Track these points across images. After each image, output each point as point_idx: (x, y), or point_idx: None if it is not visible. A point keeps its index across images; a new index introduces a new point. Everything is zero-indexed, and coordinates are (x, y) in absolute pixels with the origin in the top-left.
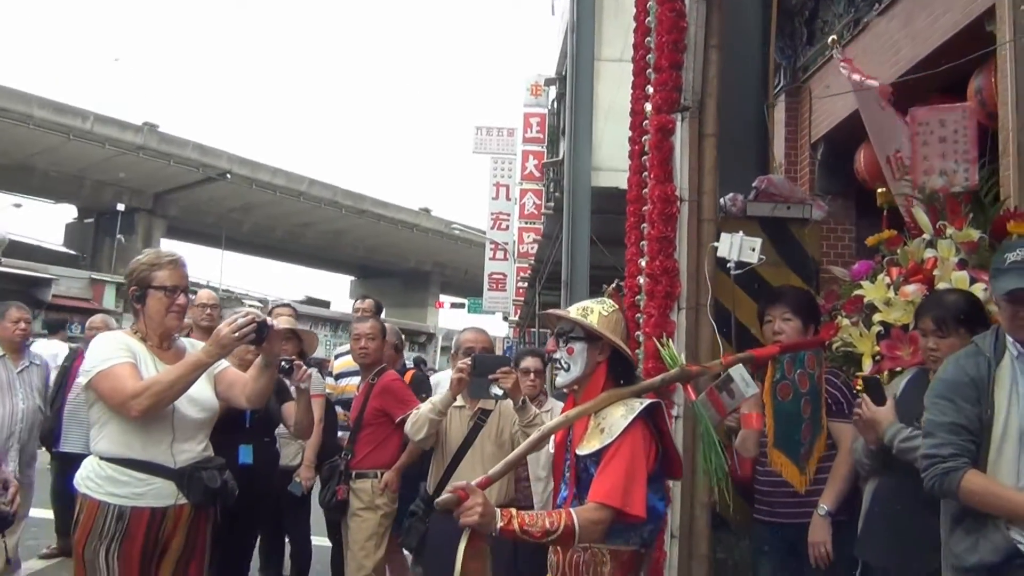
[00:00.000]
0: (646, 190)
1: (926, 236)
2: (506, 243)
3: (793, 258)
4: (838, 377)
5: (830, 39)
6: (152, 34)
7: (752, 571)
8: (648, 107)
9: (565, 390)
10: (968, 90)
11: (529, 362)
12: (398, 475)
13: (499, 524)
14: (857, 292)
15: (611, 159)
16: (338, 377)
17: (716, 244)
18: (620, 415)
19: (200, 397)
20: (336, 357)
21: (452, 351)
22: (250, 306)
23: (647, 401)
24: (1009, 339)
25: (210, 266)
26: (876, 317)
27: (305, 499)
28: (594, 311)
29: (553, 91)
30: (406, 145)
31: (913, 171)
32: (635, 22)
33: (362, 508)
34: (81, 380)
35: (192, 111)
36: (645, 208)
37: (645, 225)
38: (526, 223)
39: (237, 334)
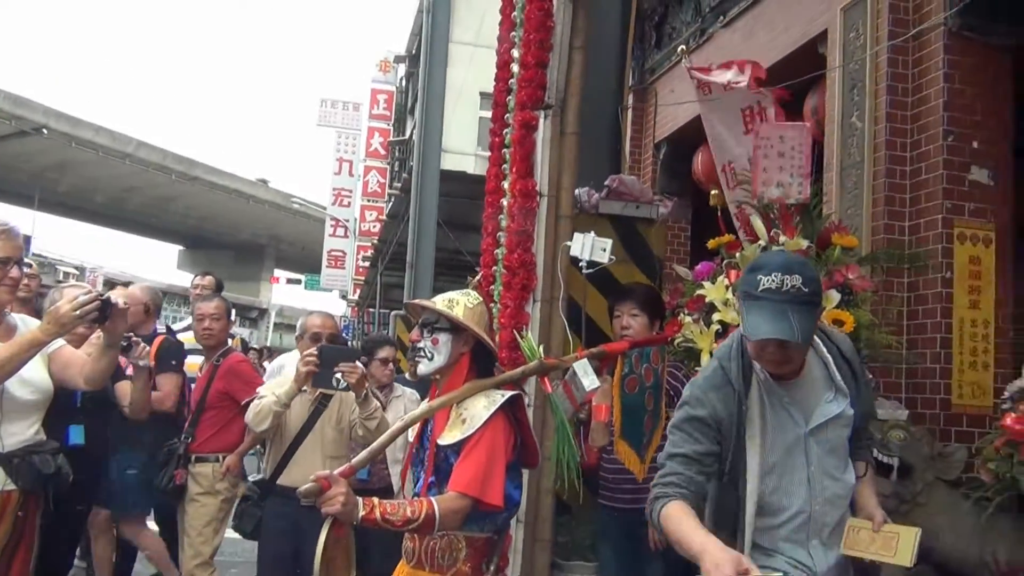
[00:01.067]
0: (505, 182)
1: (761, 243)
2: (347, 220)
3: (640, 256)
4: (680, 371)
5: (679, 48)
6: None
7: (593, 553)
8: (511, 101)
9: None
10: (804, 108)
11: (387, 352)
12: (240, 459)
13: (361, 513)
14: (699, 292)
15: (459, 142)
16: None
17: (569, 244)
18: (482, 406)
19: (32, 378)
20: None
21: (298, 334)
22: (65, 272)
23: (509, 393)
24: (756, 363)
25: (21, 227)
26: (715, 316)
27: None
28: (460, 303)
29: (403, 69)
30: (247, 113)
31: (754, 181)
32: (501, 15)
33: (201, 493)
34: None
35: (6, 59)
36: (504, 200)
37: (503, 217)
38: (369, 201)
39: (78, 312)
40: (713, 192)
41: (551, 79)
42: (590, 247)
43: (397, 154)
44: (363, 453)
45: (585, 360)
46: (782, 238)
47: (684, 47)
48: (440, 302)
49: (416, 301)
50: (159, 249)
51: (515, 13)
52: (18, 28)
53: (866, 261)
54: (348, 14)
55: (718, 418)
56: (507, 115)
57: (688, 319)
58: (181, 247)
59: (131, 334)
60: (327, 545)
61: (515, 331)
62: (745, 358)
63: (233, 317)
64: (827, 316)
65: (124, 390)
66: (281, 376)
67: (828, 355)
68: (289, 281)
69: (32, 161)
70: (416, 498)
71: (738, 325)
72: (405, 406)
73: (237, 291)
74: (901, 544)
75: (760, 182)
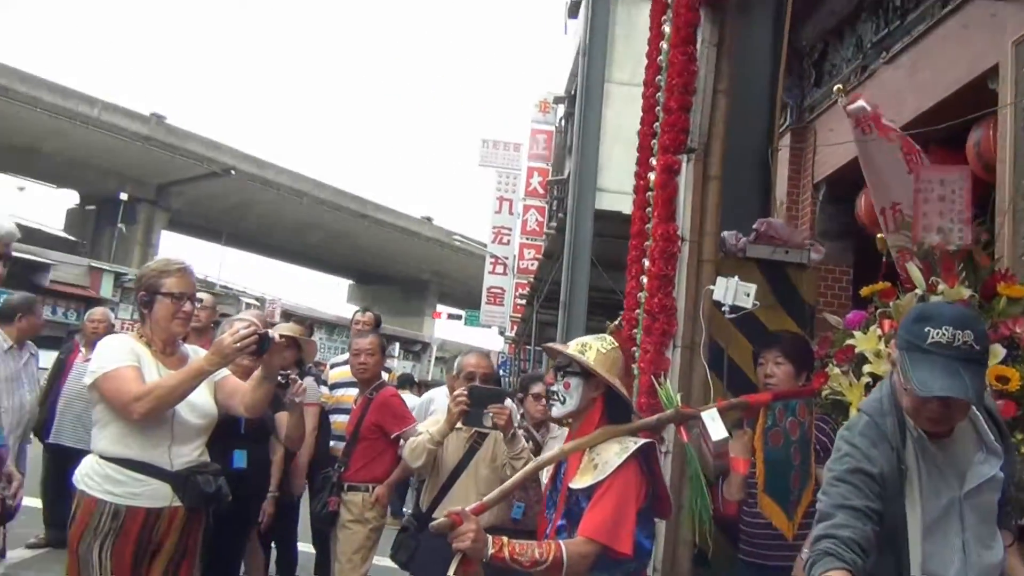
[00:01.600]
0: (649, 225)
1: (918, 291)
2: (506, 257)
3: (789, 302)
4: (827, 424)
5: (835, 87)
6: (166, 25)
7: None
8: (655, 144)
9: (560, 423)
10: (967, 143)
11: (539, 388)
12: (390, 491)
13: (490, 551)
14: (849, 342)
15: (616, 182)
16: (333, 387)
17: (712, 287)
18: (614, 452)
19: (200, 403)
20: (332, 367)
21: (454, 372)
22: (248, 304)
23: (641, 441)
24: (909, 420)
25: (209, 261)
26: (866, 368)
27: (294, 505)
28: (592, 348)
29: (561, 109)
30: (412, 153)
31: (915, 227)
32: (647, 59)
33: (352, 520)
34: (87, 380)
35: (200, 105)
36: (647, 243)
37: (646, 260)
38: (528, 239)
39: (239, 344)
40: (879, 236)
41: (694, 123)
42: (733, 291)
43: (555, 193)
44: (494, 492)
45: (714, 410)
46: (941, 287)
47: (840, 86)
48: (573, 346)
49: (550, 345)
50: (331, 283)
51: (660, 58)
52: (210, 73)
53: None
54: (509, 57)
55: (883, 475)
56: (651, 158)
57: (836, 370)
58: (351, 281)
59: (288, 372)
60: None
61: (653, 378)
62: (899, 413)
63: (396, 351)
64: (991, 372)
65: (283, 420)
66: (437, 414)
67: (978, 415)
68: (450, 316)
69: (221, 200)
70: (546, 540)
71: None
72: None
73: (402, 325)
74: None
75: (920, 227)
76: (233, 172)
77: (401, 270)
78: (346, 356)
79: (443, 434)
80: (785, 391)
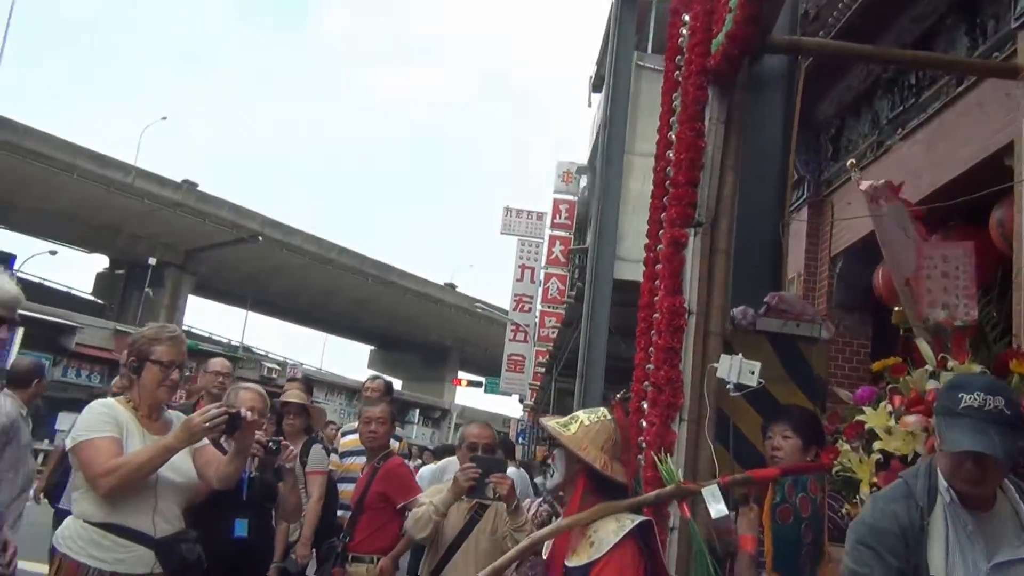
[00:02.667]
0: (657, 297)
1: (928, 367)
2: (527, 325)
3: (800, 375)
4: (838, 503)
5: (849, 162)
6: (198, 94)
7: None
8: (663, 218)
9: (550, 496)
10: (990, 220)
11: None
12: (393, 563)
13: None
14: (859, 417)
15: (636, 251)
16: (343, 455)
17: (715, 365)
18: (611, 531)
19: (181, 466)
20: (343, 435)
21: (457, 443)
22: (269, 368)
23: (639, 518)
24: (943, 483)
25: (233, 325)
26: (876, 445)
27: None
28: (578, 420)
29: (584, 180)
30: (435, 219)
31: (919, 303)
32: (658, 134)
33: None
34: (67, 444)
35: (231, 172)
36: (655, 316)
37: (654, 333)
38: (548, 307)
39: (208, 424)
40: (896, 309)
41: (701, 197)
42: (738, 369)
43: (577, 262)
44: (487, 569)
45: (715, 486)
46: (951, 363)
47: (853, 160)
48: (554, 420)
49: (542, 419)
50: (354, 348)
51: (670, 133)
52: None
53: None
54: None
55: (903, 526)
56: (661, 231)
57: (847, 446)
58: (373, 347)
59: (281, 438)
60: None
61: (654, 454)
62: (932, 478)
63: (416, 418)
64: None
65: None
66: (441, 484)
67: (1021, 503)
68: (470, 383)
69: (247, 265)
70: None
71: (902, 456)
72: None
73: (422, 391)
74: None
75: (925, 303)
76: (260, 238)
77: (423, 336)
78: (357, 424)
79: (447, 504)
80: (793, 466)
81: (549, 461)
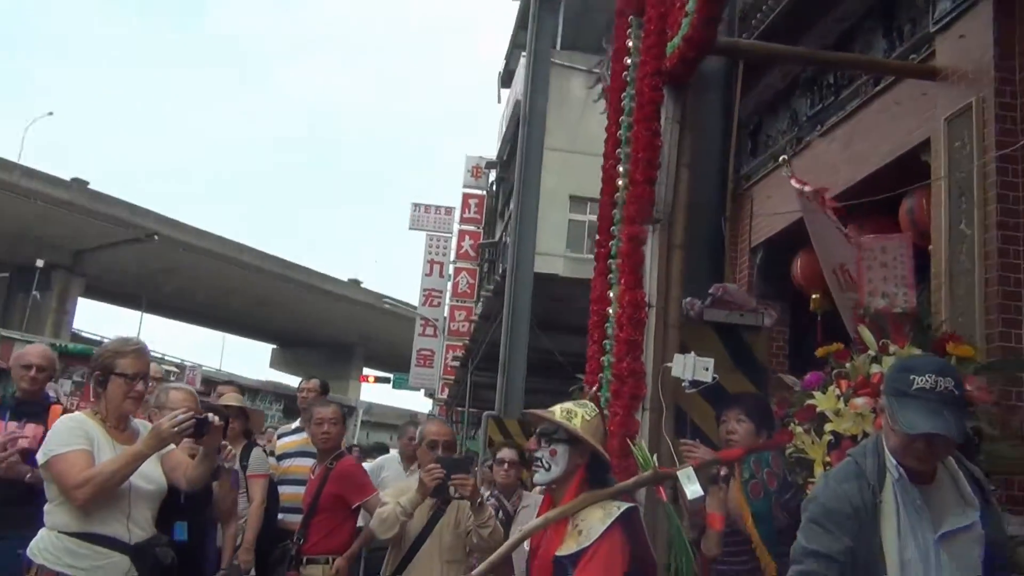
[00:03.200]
0: (611, 291)
1: (871, 352)
2: (436, 320)
3: (745, 364)
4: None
5: (781, 158)
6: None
7: None
8: (616, 214)
9: (542, 489)
10: (900, 210)
11: (505, 453)
12: (349, 563)
13: None
14: (809, 401)
15: (549, 244)
16: (281, 458)
17: (670, 364)
18: (598, 519)
19: (151, 473)
20: (279, 437)
21: (416, 441)
22: (166, 371)
23: (625, 505)
24: (891, 460)
25: (127, 327)
26: (827, 427)
27: None
28: (578, 415)
29: (493, 174)
30: (339, 216)
31: (860, 292)
32: (607, 133)
33: None
34: (40, 459)
35: (122, 170)
36: (609, 309)
37: (609, 326)
38: (458, 301)
39: (176, 429)
40: (814, 296)
41: (659, 195)
42: (692, 367)
43: (487, 255)
44: (482, 565)
45: (690, 469)
46: (893, 348)
47: (786, 156)
48: (559, 413)
49: (534, 411)
50: (254, 348)
51: (620, 132)
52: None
53: (983, 371)
54: (439, 120)
55: (856, 506)
56: (613, 227)
57: (799, 429)
58: (275, 346)
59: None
60: None
61: (628, 440)
62: (880, 456)
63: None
64: None
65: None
66: (404, 483)
67: (959, 472)
68: (377, 379)
69: (141, 265)
70: None
71: (852, 436)
72: (535, 514)
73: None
74: None
75: (866, 292)
76: (156, 237)
77: (327, 333)
78: (294, 425)
79: (415, 504)
80: (756, 445)
81: (540, 455)
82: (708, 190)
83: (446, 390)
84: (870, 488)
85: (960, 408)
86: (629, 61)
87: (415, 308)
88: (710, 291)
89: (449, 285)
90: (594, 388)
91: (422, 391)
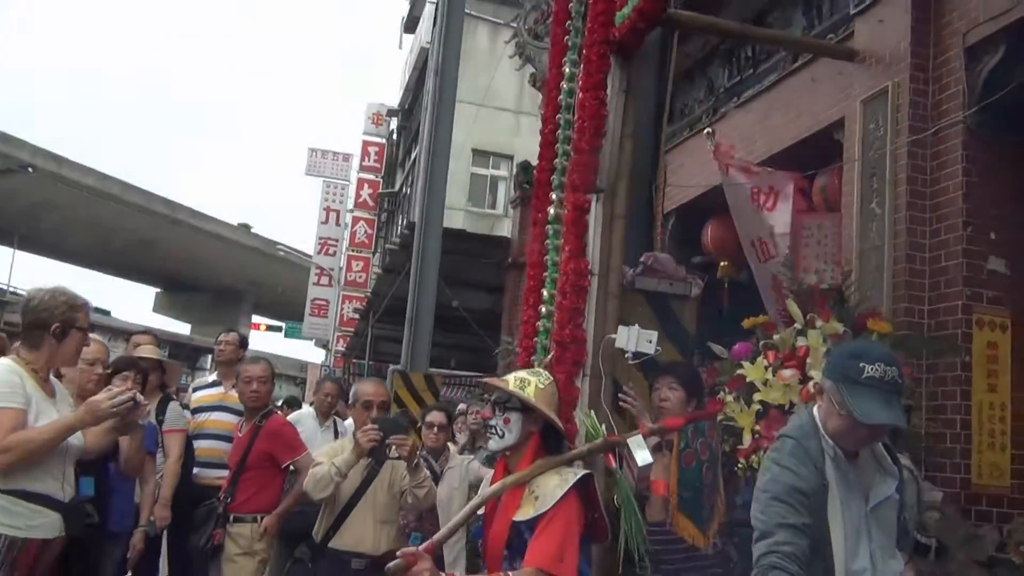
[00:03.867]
0: (548, 257)
1: (797, 325)
2: (332, 269)
3: (674, 333)
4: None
5: (706, 131)
6: None
7: None
8: (555, 179)
9: (496, 455)
10: (814, 187)
11: (435, 417)
12: (278, 520)
13: None
14: (739, 372)
15: (450, 198)
16: (196, 411)
17: (613, 336)
18: (555, 484)
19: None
20: (194, 391)
21: (350, 401)
22: None
23: (581, 472)
24: (828, 440)
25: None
26: (756, 396)
27: (156, 539)
28: (531, 383)
29: (395, 122)
30: (232, 158)
31: (796, 267)
32: (546, 97)
33: (239, 554)
34: None
35: None
36: (545, 274)
37: (545, 291)
38: (356, 251)
39: (114, 408)
40: (722, 264)
41: (603, 165)
42: (635, 339)
43: (386, 205)
44: (443, 530)
45: (639, 436)
46: (818, 322)
47: (710, 129)
48: (512, 382)
49: (489, 380)
50: (136, 291)
51: (561, 97)
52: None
53: (898, 347)
54: (338, 64)
55: (812, 487)
56: (551, 193)
57: (729, 398)
58: (158, 289)
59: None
60: None
61: (579, 409)
62: (818, 437)
63: (209, 364)
64: None
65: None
66: (338, 443)
67: (878, 444)
68: (269, 328)
69: (16, 199)
70: (498, 573)
71: (779, 405)
72: (461, 475)
73: (214, 335)
74: None
75: (801, 268)
76: (31, 170)
77: (214, 279)
78: (211, 379)
79: (350, 465)
80: (696, 414)
81: (494, 423)
82: (642, 161)
83: (342, 341)
84: (817, 471)
85: (901, 395)
86: (571, 25)
87: (309, 257)
88: (641, 259)
89: (346, 234)
90: (547, 358)
91: (313, 341)
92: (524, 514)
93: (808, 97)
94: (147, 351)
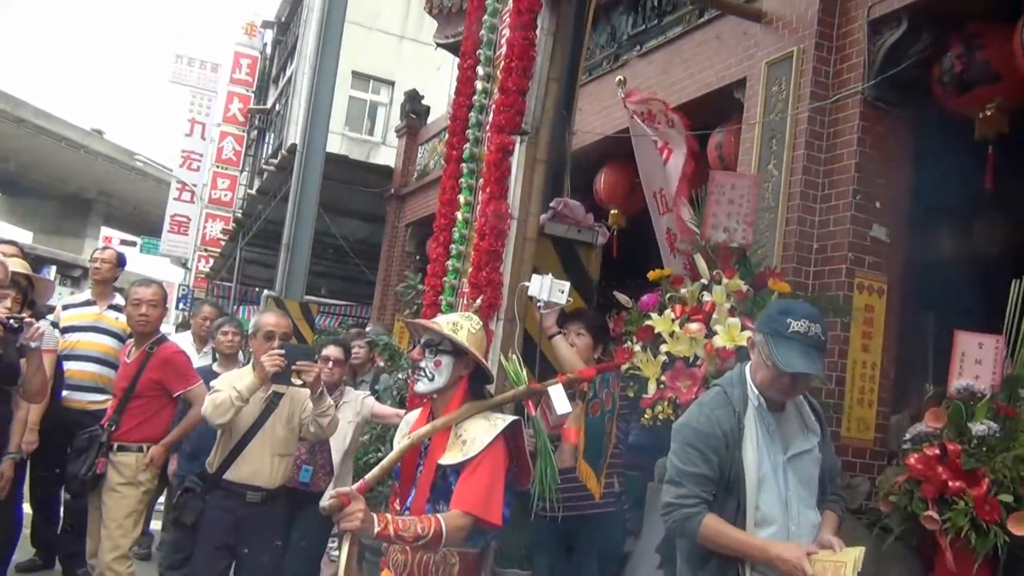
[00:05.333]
0: (461, 195)
1: (703, 280)
2: (195, 185)
3: (578, 279)
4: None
5: (617, 79)
6: None
7: (528, 561)
8: (472, 117)
9: (424, 398)
10: (709, 143)
11: (331, 351)
12: (166, 450)
13: (376, 529)
14: (648, 323)
15: (334, 123)
16: (66, 331)
17: (527, 284)
18: (483, 429)
19: None
20: (64, 308)
21: (251, 331)
22: None
23: (509, 418)
24: (754, 390)
25: None
26: (663, 347)
27: (20, 463)
28: (463, 327)
29: (269, 35)
30: (87, 60)
31: (704, 224)
32: (464, 30)
33: (122, 484)
34: None
35: None
36: (459, 213)
37: (456, 231)
38: (222, 168)
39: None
40: (612, 211)
41: (528, 107)
42: (548, 288)
43: (257, 123)
44: (375, 470)
45: (559, 385)
46: (723, 279)
47: (621, 78)
48: (445, 325)
49: (420, 321)
50: None
51: (483, 31)
52: None
53: None
54: None
55: (724, 431)
56: (468, 130)
57: (637, 347)
58: None
59: (24, 315)
60: (348, 560)
61: (503, 355)
62: (744, 386)
63: (52, 275)
64: None
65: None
66: (236, 371)
67: (804, 404)
68: (124, 243)
69: None
70: (425, 515)
71: (684, 358)
72: (355, 410)
73: (60, 246)
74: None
75: (709, 225)
76: None
77: (60, 186)
78: (83, 297)
79: (252, 390)
80: (606, 365)
81: (424, 365)
82: (561, 104)
83: (204, 260)
84: (735, 414)
85: (823, 352)
86: None
87: (170, 170)
88: (551, 204)
89: (212, 149)
90: (477, 302)
91: (168, 259)
92: (451, 458)
93: (711, 54)
94: (15, 264)
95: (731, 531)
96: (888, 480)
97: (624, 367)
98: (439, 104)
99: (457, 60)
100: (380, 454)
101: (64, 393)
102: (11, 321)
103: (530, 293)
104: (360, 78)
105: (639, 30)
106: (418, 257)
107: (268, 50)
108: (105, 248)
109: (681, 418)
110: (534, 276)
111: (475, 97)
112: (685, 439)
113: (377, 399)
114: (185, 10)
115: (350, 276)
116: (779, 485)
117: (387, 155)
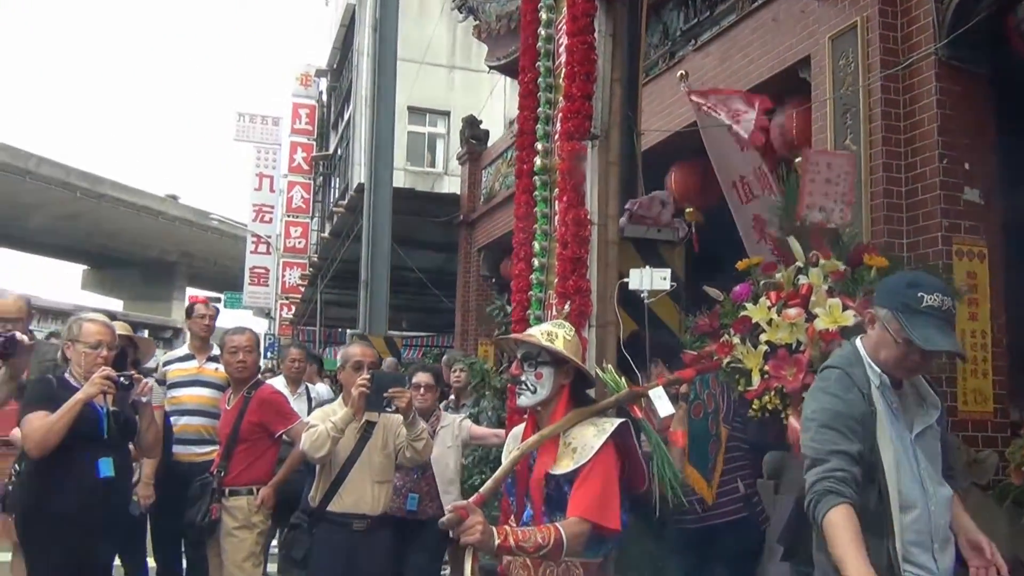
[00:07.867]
0: (537, 208)
1: (799, 264)
2: (269, 236)
3: None
4: (732, 390)
5: (679, 74)
6: None
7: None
8: (539, 129)
9: (527, 411)
10: (771, 122)
11: (421, 377)
12: (275, 491)
13: (496, 541)
14: (744, 313)
15: (396, 159)
16: (170, 387)
17: (626, 280)
18: (592, 435)
19: None
20: (165, 364)
21: (339, 364)
22: None
23: (617, 421)
24: (875, 368)
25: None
26: (762, 337)
27: (141, 519)
28: (558, 336)
29: (324, 83)
30: (156, 128)
31: (800, 205)
32: (523, 45)
33: (237, 527)
34: None
35: None
36: (536, 226)
37: (536, 243)
38: (293, 216)
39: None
40: (688, 209)
41: (596, 111)
42: (649, 278)
43: (321, 169)
44: (488, 483)
45: (660, 387)
46: (821, 260)
47: (683, 72)
48: (539, 335)
49: (515, 335)
50: (62, 269)
51: (540, 44)
52: None
53: None
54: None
55: (862, 412)
56: (536, 143)
57: (735, 339)
58: (86, 266)
59: (133, 372)
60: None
61: (596, 364)
62: (863, 365)
63: None
64: None
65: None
66: (329, 407)
67: (919, 377)
68: (208, 300)
69: None
70: (544, 525)
71: (786, 344)
72: (454, 434)
73: (148, 311)
74: None
75: (804, 206)
76: None
77: (142, 252)
78: (182, 352)
79: (346, 422)
80: (705, 365)
81: (525, 379)
82: (626, 105)
83: (286, 308)
84: (864, 397)
85: (955, 327)
86: None
87: (244, 225)
88: (626, 207)
89: (281, 200)
90: (565, 310)
91: (251, 311)
92: (563, 467)
93: (770, 37)
94: (121, 327)
95: (844, 535)
96: (1018, 451)
97: (725, 361)
98: (496, 127)
99: (510, 80)
100: (484, 476)
101: (174, 448)
102: (121, 379)
103: (632, 287)
104: (416, 112)
105: (691, 24)
106: (494, 280)
107: (324, 97)
108: (208, 304)
109: (806, 410)
110: (632, 271)
111: (539, 109)
112: (821, 422)
113: (475, 422)
114: (240, 69)
115: (428, 307)
116: (911, 465)
117: (450, 184)
